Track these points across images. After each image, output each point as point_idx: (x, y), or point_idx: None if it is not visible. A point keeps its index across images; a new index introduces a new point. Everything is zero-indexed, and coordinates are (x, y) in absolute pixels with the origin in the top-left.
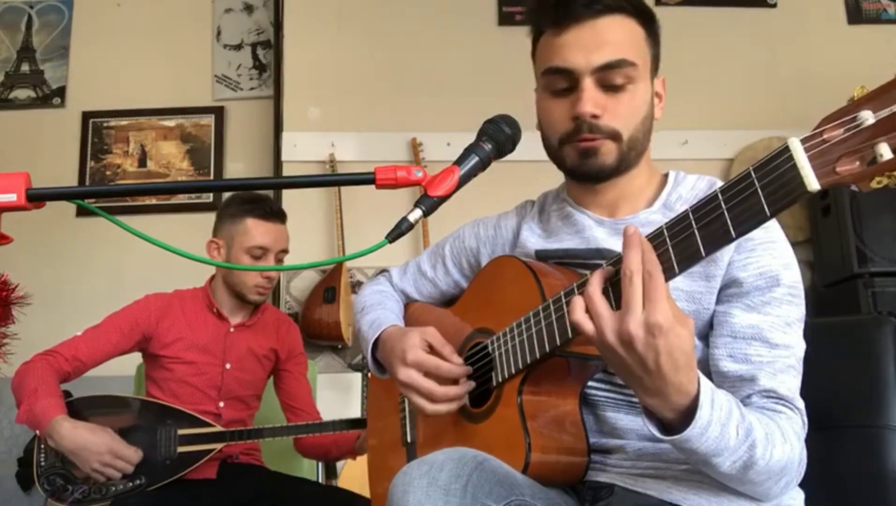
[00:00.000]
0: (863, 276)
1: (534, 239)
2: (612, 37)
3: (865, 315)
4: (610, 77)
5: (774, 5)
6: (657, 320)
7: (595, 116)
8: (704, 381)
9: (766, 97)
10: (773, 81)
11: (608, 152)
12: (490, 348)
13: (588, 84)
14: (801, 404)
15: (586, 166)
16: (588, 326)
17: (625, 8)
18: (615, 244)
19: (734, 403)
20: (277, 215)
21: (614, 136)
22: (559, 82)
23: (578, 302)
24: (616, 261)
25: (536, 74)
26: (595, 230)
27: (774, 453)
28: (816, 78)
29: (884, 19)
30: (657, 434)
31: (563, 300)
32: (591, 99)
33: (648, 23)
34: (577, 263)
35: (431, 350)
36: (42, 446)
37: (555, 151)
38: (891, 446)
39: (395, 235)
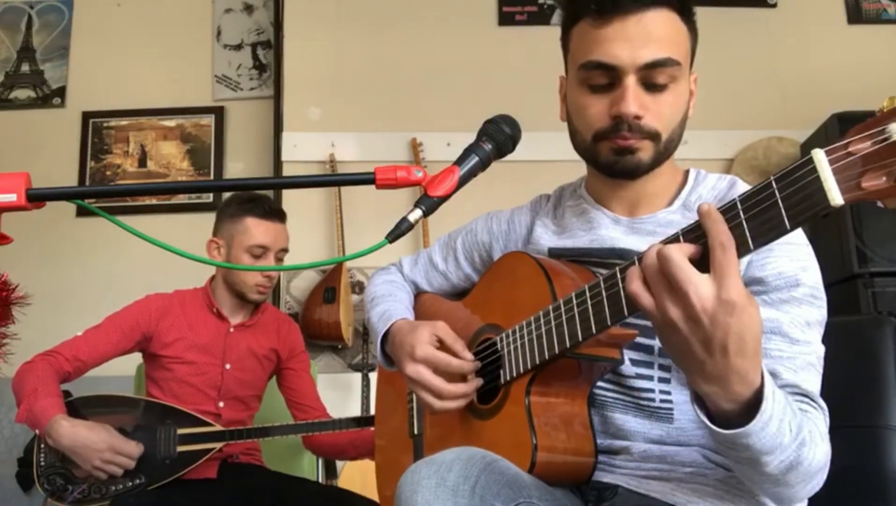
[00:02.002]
0: (863, 276)
1: (547, 236)
2: (658, 33)
3: (865, 315)
4: (654, 76)
5: (774, 5)
6: (730, 297)
7: (638, 117)
8: (766, 371)
9: (766, 97)
10: (773, 81)
11: (645, 151)
12: (499, 345)
13: (631, 82)
14: (823, 403)
15: (621, 164)
16: (646, 298)
17: (670, 1)
18: (631, 243)
19: (786, 395)
20: (277, 214)
21: (653, 136)
22: (599, 77)
23: (635, 271)
24: (672, 238)
25: (568, 65)
26: (611, 229)
27: (817, 453)
28: (816, 78)
29: (884, 19)
30: (710, 425)
31: (575, 302)
32: (636, 99)
33: (689, 17)
34: (592, 261)
35: (442, 345)
36: (42, 445)
37: (587, 147)
38: (891, 446)
39: (395, 235)
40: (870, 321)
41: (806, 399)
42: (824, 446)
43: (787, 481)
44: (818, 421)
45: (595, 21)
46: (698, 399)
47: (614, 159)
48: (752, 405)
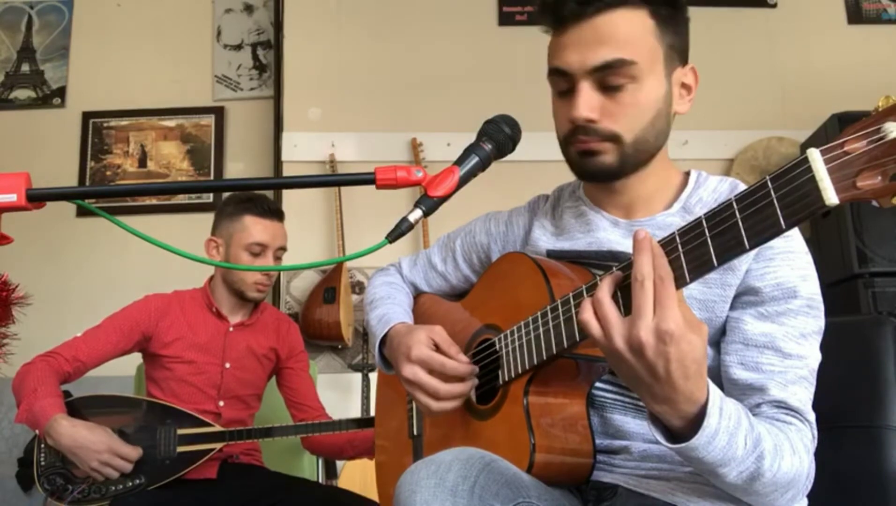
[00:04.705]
0: (863, 276)
1: (546, 238)
2: (613, 34)
3: (865, 315)
4: (607, 78)
5: (774, 5)
6: (668, 327)
7: (591, 121)
8: (713, 389)
9: (766, 97)
10: (773, 81)
11: (607, 153)
12: (498, 346)
13: (584, 87)
14: (811, 416)
15: (586, 166)
16: (595, 328)
17: (629, 0)
18: (629, 246)
19: (743, 412)
20: (275, 213)
21: (613, 138)
22: (560, 84)
23: (587, 303)
24: (627, 266)
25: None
26: (609, 232)
27: (783, 466)
28: (816, 78)
29: (884, 19)
30: (663, 442)
31: (572, 302)
32: (586, 103)
33: (662, 11)
34: (590, 263)
35: (437, 349)
36: (42, 445)
37: (562, 151)
38: (891, 446)
39: (395, 235)
40: (870, 321)
41: (792, 413)
42: (795, 458)
43: (757, 491)
44: (796, 435)
45: (556, 30)
46: (653, 418)
47: (580, 162)
48: (699, 421)
